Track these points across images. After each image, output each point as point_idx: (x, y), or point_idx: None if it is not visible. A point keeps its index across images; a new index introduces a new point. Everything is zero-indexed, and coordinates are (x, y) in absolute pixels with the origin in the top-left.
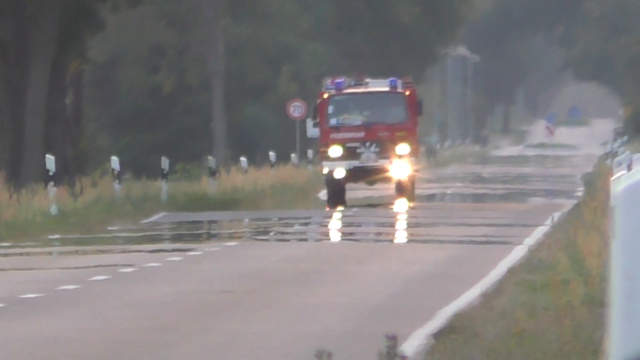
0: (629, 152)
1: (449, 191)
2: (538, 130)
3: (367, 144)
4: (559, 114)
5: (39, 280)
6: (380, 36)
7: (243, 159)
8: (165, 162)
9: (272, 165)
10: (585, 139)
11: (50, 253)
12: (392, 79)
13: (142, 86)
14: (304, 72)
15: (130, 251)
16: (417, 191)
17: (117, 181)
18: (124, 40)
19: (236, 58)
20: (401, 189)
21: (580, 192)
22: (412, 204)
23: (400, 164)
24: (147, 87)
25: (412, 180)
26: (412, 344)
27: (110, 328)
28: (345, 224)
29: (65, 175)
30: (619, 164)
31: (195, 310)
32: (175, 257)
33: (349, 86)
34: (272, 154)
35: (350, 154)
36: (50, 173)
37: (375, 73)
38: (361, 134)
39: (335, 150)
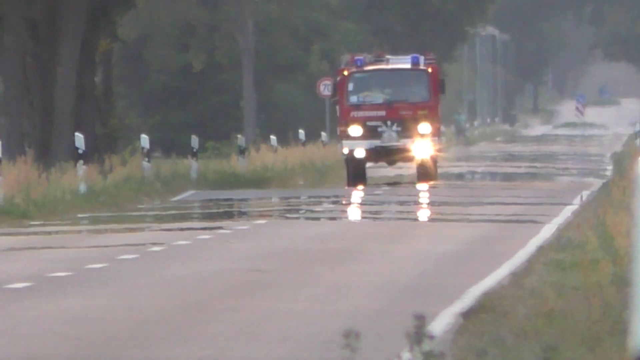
0: None
1: (478, 170)
2: (567, 110)
3: (389, 122)
4: (588, 94)
5: (68, 259)
6: (410, 15)
7: (273, 137)
8: (195, 141)
9: (302, 144)
10: (614, 119)
11: (79, 232)
12: (414, 55)
13: (172, 64)
14: (334, 51)
15: (159, 229)
16: (447, 170)
17: (146, 159)
18: (154, 19)
19: (266, 36)
20: (423, 170)
21: (609, 171)
22: (437, 183)
23: (422, 144)
24: (177, 65)
25: (435, 161)
26: (441, 323)
27: (139, 307)
28: (375, 203)
29: (94, 153)
30: None
31: (224, 288)
32: (205, 236)
33: (370, 63)
34: (301, 132)
35: (370, 133)
36: (80, 151)
37: (405, 52)
38: (382, 113)
39: (356, 129)
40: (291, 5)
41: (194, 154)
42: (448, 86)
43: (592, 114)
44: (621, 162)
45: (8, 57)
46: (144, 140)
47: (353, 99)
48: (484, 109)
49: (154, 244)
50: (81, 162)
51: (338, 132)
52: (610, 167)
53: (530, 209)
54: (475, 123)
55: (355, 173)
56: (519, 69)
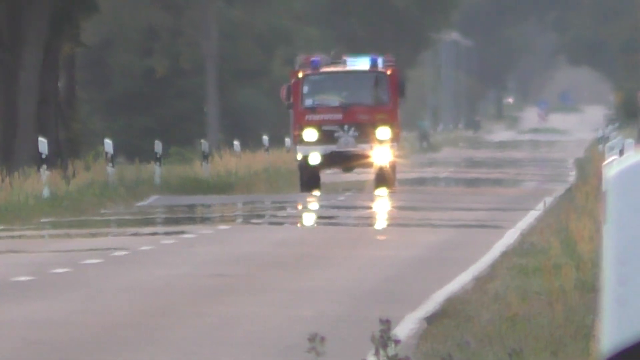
0: (621, 137)
1: (442, 175)
2: (531, 116)
3: (345, 127)
4: (552, 100)
5: (31, 263)
6: (374, 20)
7: (236, 142)
8: (158, 146)
9: (266, 149)
10: (577, 125)
11: (42, 236)
12: (372, 56)
13: (135, 69)
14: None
15: (123, 234)
16: (410, 175)
17: (110, 164)
18: (118, 23)
19: (230, 42)
20: (381, 177)
21: (572, 176)
22: (401, 189)
23: (381, 150)
24: (140, 70)
25: (394, 167)
26: (405, 328)
27: (103, 311)
28: (338, 209)
29: (57, 158)
30: (611, 148)
31: (188, 293)
32: (169, 241)
33: (326, 64)
34: (265, 137)
35: (326, 137)
36: (43, 156)
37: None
38: (338, 116)
39: (310, 134)
40: (255, 10)
41: (158, 159)
42: (411, 92)
43: (556, 119)
44: (584, 167)
45: None
46: (108, 145)
47: (308, 102)
48: (448, 115)
49: (118, 249)
50: (44, 166)
51: (292, 137)
52: (573, 173)
53: (494, 214)
54: (439, 129)
55: (309, 180)
56: (482, 74)
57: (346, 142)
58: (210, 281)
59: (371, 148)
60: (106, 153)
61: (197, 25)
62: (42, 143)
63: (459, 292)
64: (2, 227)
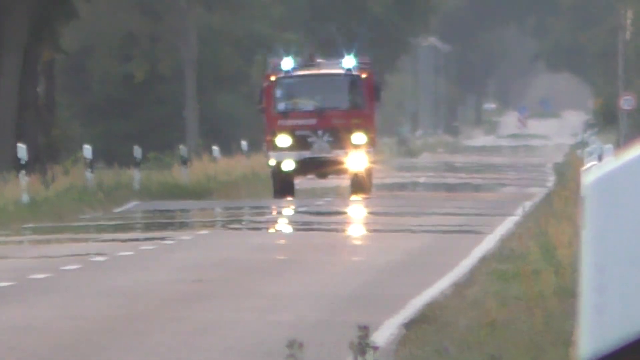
0: (600, 143)
1: (420, 180)
2: (510, 121)
3: (319, 132)
4: (531, 105)
5: (10, 269)
6: (352, 26)
7: (215, 148)
8: (137, 151)
9: (244, 155)
10: (557, 130)
11: (21, 242)
12: (346, 58)
13: (114, 75)
14: None
15: (102, 240)
16: (389, 180)
17: (89, 170)
18: (97, 29)
19: (209, 47)
20: (357, 183)
21: (551, 181)
22: (380, 194)
23: (357, 156)
24: (119, 75)
25: (370, 174)
26: (383, 334)
27: (83, 317)
28: (317, 214)
29: (37, 163)
30: (590, 154)
31: (167, 299)
32: (148, 246)
33: (299, 67)
34: (244, 143)
35: (300, 143)
36: (22, 161)
37: None
38: (312, 121)
39: (284, 140)
40: (234, 16)
41: (137, 165)
42: (390, 97)
43: (535, 125)
44: (563, 172)
45: None
46: (87, 150)
47: (281, 106)
48: (427, 120)
49: (97, 254)
50: (23, 172)
51: (265, 143)
52: (552, 178)
53: (473, 219)
54: (418, 134)
55: (283, 187)
56: (462, 80)
57: (320, 147)
58: (190, 286)
59: (346, 154)
60: (85, 158)
61: (176, 31)
62: (22, 148)
63: (438, 297)
64: None
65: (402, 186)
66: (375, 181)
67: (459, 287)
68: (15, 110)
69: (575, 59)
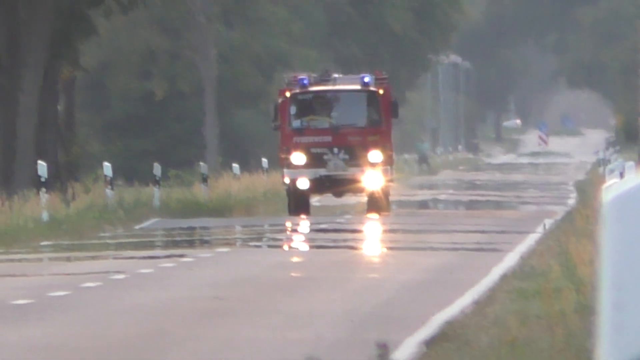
0: (622, 160)
1: (441, 198)
2: (531, 139)
3: (335, 149)
4: (551, 123)
5: (30, 286)
6: (372, 43)
7: (235, 165)
8: (157, 168)
9: (264, 172)
10: (578, 148)
11: (41, 259)
12: (363, 75)
13: (134, 92)
14: None
15: (122, 257)
16: (409, 198)
17: (109, 187)
18: (116, 46)
19: (228, 64)
20: (374, 202)
21: (572, 199)
22: (399, 212)
23: (373, 174)
24: (139, 93)
25: (387, 192)
26: (403, 352)
27: (102, 334)
28: (336, 232)
29: (57, 181)
30: (612, 171)
31: (187, 316)
32: (168, 264)
33: (315, 83)
34: (264, 160)
35: (315, 161)
36: (42, 179)
37: None
38: (328, 139)
39: (298, 157)
40: (253, 33)
41: (157, 182)
42: (411, 114)
43: (556, 142)
44: (584, 190)
45: None
46: (107, 168)
47: (296, 123)
48: (447, 137)
49: (117, 272)
50: (44, 190)
51: (279, 160)
52: (573, 196)
53: (494, 237)
54: (438, 151)
55: (298, 205)
56: (482, 97)
57: (336, 165)
58: (209, 304)
59: (362, 172)
60: (105, 176)
61: (196, 48)
62: (42, 166)
63: (459, 315)
64: (1, 250)
65: (422, 203)
66: (395, 198)
67: (480, 305)
68: (35, 128)
69: (596, 76)
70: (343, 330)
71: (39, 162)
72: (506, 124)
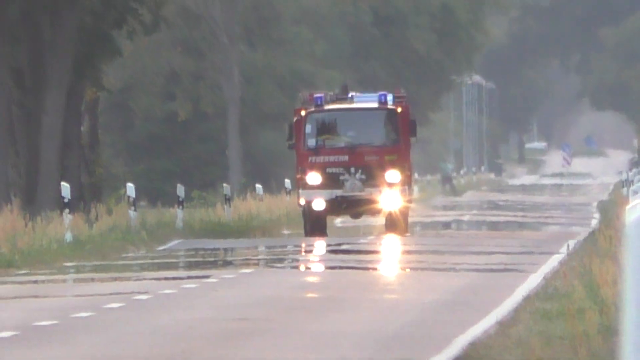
0: None
1: (464, 218)
2: (554, 159)
3: (352, 169)
4: (575, 143)
5: (53, 307)
6: (395, 64)
7: (258, 186)
8: (180, 189)
9: (287, 193)
10: (601, 168)
11: (65, 280)
12: (381, 93)
13: (157, 113)
14: None
15: (145, 278)
16: (432, 218)
17: (132, 208)
18: (140, 67)
19: (251, 85)
20: (392, 223)
21: (595, 220)
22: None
23: (391, 194)
24: (162, 114)
25: (405, 213)
26: None
27: (125, 356)
28: (360, 252)
29: (80, 202)
30: (635, 192)
31: (210, 337)
32: (191, 284)
33: (331, 101)
34: (287, 181)
35: (331, 181)
36: (66, 200)
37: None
38: (345, 158)
39: (314, 177)
40: (276, 54)
41: (180, 203)
42: (434, 134)
43: (579, 163)
44: (607, 211)
45: None
46: (130, 189)
47: (311, 142)
48: (470, 158)
49: (140, 292)
50: (67, 211)
51: (295, 180)
52: (596, 216)
53: (517, 258)
54: (462, 172)
55: (314, 227)
56: (505, 117)
57: (353, 186)
58: (233, 325)
59: (380, 192)
60: (128, 197)
61: (219, 68)
62: (65, 187)
63: (482, 336)
64: (24, 271)
65: (445, 224)
66: (418, 219)
67: (503, 325)
68: (58, 149)
69: (619, 96)
70: (367, 351)
71: (63, 183)
72: (531, 145)
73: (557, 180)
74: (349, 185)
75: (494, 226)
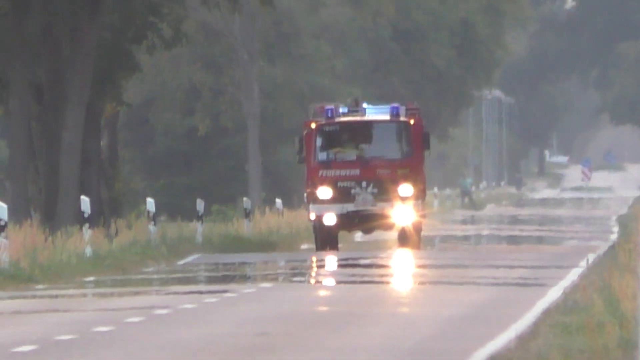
0: None
1: (484, 233)
2: (574, 174)
3: (363, 183)
4: (594, 158)
5: (73, 322)
6: (415, 79)
7: (278, 200)
8: (200, 204)
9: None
10: (621, 183)
11: (85, 295)
12: (393, 105)
13: (177, 128)
14: None
15: (165, 293)
16: (452, 232)
17: (152, 223)
18: (159, 82)
19: (271, 100)
20: (404, 239)
21: (615, 234)
22: (446, 246)
23: (403, 209)
24: (182, 129)
25: (418, 228)
26: None
27: None
28: (379, 266)
29: (100, 217)
30: None
31: (231, 352)
32: (211, 299)
33: (342, 114)
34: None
35: (342, 195)
36: (85, 215)
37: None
38: (356, 172)
39: (325, 192)
40: (296, 69)
41: (200, 218)
42: (454, 150)
43: (599, 178)
44: (627, 225)
45: (13, 121)
46: (150, 203)
47: (322, 155)
48: (490, 172)
49: (160, 307)
50: (87, 225)
51: (305, 195)
52: (616, 230)
53: (537, 272)
54: (481, 186)
55: (325, 242)
56: (524, 132)
57: (364, 200)
58: (252, 340)
59: (392, 207)
60: (148, 212)
61: (239, 84)
62: (85, 202)
63: (502, 350)
64: (44, 286)
65: (465, 238)
66: (437, 233)
67: (523, 339)
68: (78, 164)
69: (638, 111)
70: None
71: (82, 197)
72: (555, 159)
73: (576, 194)
74: (361, 199)
75: (513, 240)
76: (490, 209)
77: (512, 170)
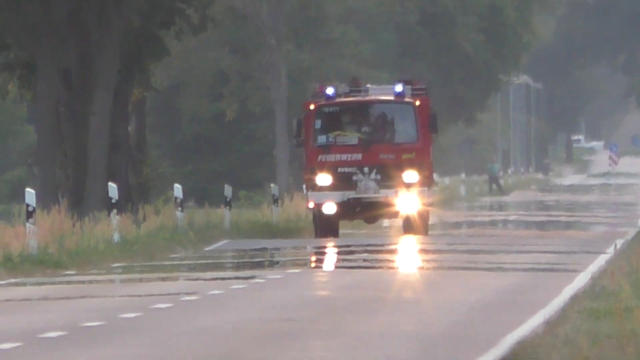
0: None
1: (511, 218)
2: (601, 159)
3: (366, 169)
4: (622, 143)
5: (101, 308)
6: (443, 64)
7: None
8: (228, 190)
9: None
10: None
11: (112, 281)
12: (397, 83)
13: (204, 113)
14: None
15: (192, 279)
16: (480, 218)
17: (179, 209)
18: (187, 67)
19: (298, 85)
20: (409, 228)
21: None
22: (471, 232)
23: (408, 196)
24: (209, 114)
25: (424, 217)
26: None
27: (172, 356)
28: (406, 252)
29: (128, 203)
30: None
31: (257, 338)
32: (238, 285)
33: (343, 94)
34: None
35: (343, 182)
36: (113, 201)
37: (438, 101)
38: (357, 157)
39: (324, 178)
40: (323, 54)
41: (227, 203)
42: (482, 135)
43: (626, 163)
44: None
45: (41, 107)
46: (177, 189)
47: (321, 139)
48: (518, 158)
49: (188, 293)
50: (114, 211)
51: (303, 181)
52: None
53: (565, 257)
54: (509, 172)
55: (325, 231)
56: (552, 117)
57: (366, 187)
58: (279, 325)
59: (396, 194)
60: (175, 197)
61: (266, 69)
62: (113, 188)
63: (530, 335)
64: (72, 271)
65: (492, 224)
66: (465, 219)
67: (551, 325)
68: (106, 150)
69: None
70: (413, 351)
71: (110, 183)
72: (588, 144)
73: (604, 180)
74: (363, 186)
75: (541, 226)
76: (517, 195)
77: (540, 156)
